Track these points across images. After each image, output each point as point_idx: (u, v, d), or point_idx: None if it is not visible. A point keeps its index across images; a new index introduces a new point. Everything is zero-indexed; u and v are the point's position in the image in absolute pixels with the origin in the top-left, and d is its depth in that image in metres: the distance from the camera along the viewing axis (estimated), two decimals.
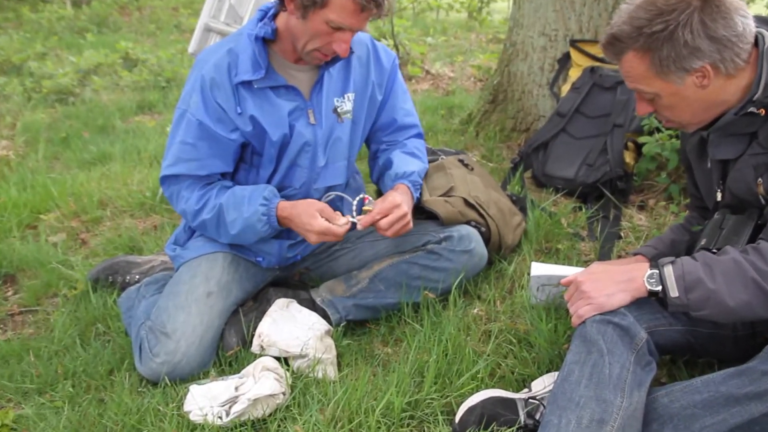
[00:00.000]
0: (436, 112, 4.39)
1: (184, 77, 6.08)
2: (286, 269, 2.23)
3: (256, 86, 1.91)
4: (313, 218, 1.89)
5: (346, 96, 2.05)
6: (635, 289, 1.49)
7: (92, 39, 8.04)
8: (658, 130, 2.78)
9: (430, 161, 2.36)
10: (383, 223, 1.93)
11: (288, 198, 2.04)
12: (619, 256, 2.40)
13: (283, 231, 2.05)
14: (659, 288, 1.46)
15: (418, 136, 2.30)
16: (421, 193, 2.18)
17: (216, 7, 3.04)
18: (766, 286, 1.35)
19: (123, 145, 4.07)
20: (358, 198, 2.04)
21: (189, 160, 1.95)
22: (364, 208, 2.00)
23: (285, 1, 1.83)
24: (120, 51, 6.75)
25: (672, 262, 1.45)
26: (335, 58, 1.95)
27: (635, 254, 1.85)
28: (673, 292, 1.42)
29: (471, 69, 5.73)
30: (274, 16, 1.93)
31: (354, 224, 1.94)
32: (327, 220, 1.90)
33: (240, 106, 1.91)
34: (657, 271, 1.47)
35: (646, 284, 1.47)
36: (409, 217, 1.98)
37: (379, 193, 2.34)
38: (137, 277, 2.35)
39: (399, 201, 1.96)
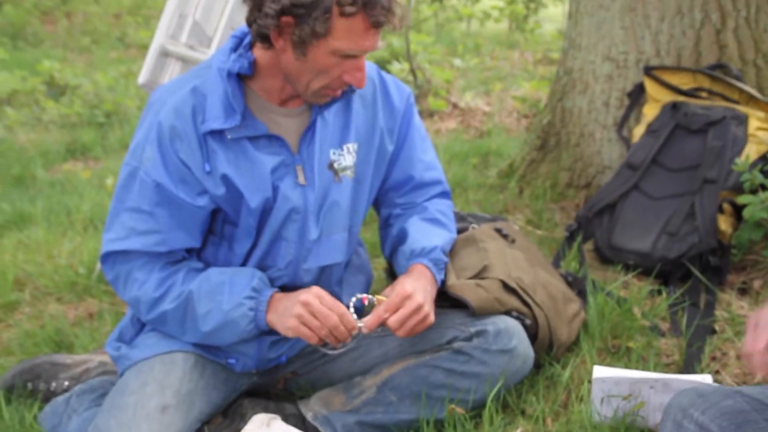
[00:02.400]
0: (466, 161, 4.41)
1: (129, 111, 6.07)
2: (267, 374, 2.26)
3: (229, 137, 1.98)
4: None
5: (345, 147, 2.12)
6: None
7: (4, 56, 8.00)
8: (764, 187, 2.76)
9: (458, 230, 2.41)
10: (393, 321, 1.99)
11: (270, 282, 2.09)
12: (713, 358, 2.41)
13: None
14: None
15: (443, 195, 2.37)
16: (446, 274, 2.22)
17: (176, 24, 3.09)
18: None
19: (47, 203, 4.07)
20: (354, 299, 2.08)
21: (146, 232, 2.01)
22: (376, 297, 2.05)
23: (271, 38, 1.88)
24: (43, 73, 6.76)
25: None
26: (344, 92, 2.04)
27: None
28: None
29: (513, 102, 5.74)
30: (252, 45, 1.99)
31: (358, 328, 2.01)
32: None
33: (209, 163, 1.99)
34: None
35: None
36: (428, 309, 2.03)
37: (392, 274, 2.39)
38: (66, 383, 2.36)
39: (410, 291, 2.02)
